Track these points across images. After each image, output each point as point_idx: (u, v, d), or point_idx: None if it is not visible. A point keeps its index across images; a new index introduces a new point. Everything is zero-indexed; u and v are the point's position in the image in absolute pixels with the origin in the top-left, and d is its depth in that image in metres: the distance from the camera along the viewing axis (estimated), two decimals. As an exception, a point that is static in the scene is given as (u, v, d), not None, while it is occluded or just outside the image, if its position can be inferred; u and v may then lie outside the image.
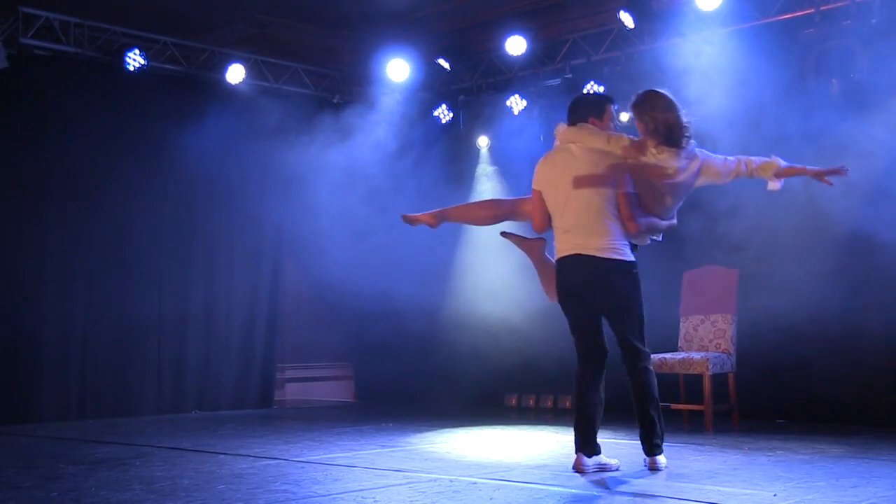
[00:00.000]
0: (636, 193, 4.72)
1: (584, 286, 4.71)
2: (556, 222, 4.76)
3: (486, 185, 9.16)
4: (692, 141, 4.72)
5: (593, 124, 4.86)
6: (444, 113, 9.25)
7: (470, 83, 9.18)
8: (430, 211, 5.12)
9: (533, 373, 8.50)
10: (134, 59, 7.92)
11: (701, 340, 7.19)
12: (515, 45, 8.43)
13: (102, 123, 8.04)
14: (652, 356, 6.57)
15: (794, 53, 7.25)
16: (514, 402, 8.68)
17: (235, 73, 8.53)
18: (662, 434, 4.90)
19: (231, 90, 8.56)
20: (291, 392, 10.09)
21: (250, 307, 8.99)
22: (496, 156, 9.27)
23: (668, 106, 4.69)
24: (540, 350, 8.16)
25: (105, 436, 6.69)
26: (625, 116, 8.11)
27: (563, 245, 4.75)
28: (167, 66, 8.38)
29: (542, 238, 5.04)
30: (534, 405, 8.62)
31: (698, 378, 6.86)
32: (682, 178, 4.69)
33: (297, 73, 9.14)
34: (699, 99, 7.48)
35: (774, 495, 4.26)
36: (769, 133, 7.13)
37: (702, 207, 7.44)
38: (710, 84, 7.39)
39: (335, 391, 10.30)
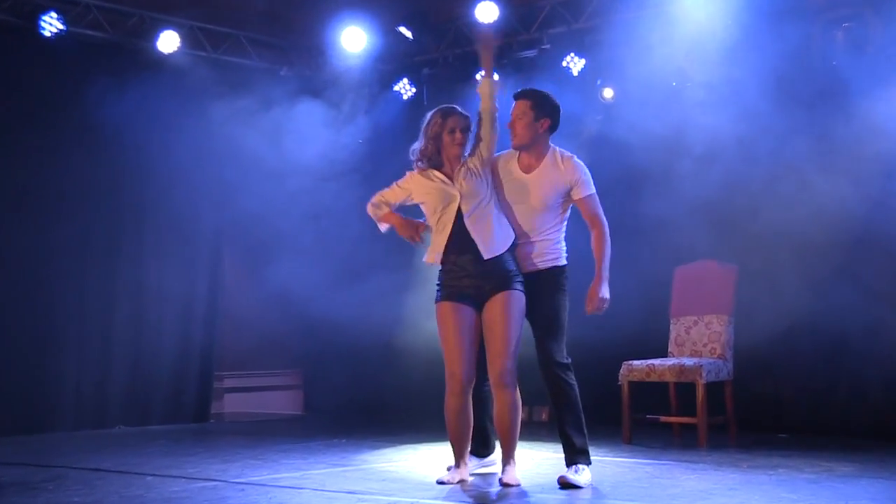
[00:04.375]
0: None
1: None
2: None
3: None
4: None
5: None
6: (405, 88, 9.23)
7: (435, 55, 9.15)
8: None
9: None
10: (50, 24, 7.80)
11: (694, 344, 7.22)
12: (486, 12, 8.38)
13: (12, 96, 7.93)
14: (638, 362, 6.59)
15: (799, 21, 7.25)
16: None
17: (168, 41, 8.45)
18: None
19: (163, 60, 8.47)
20: (231, 404, 10.02)
21: (185, 308, 8.95)
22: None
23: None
24: (519, 360, 8.08)
25: (12, 456, 6.55)
26: (609, 93, 8.20)
27: None
28: (89, 32, 8.26)
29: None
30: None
31: (691, 387, 6.88)
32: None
33: (238, 41, 9.08)
34: (691, 70, 7.56)
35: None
36: (767, 112, 7.18)
37: (695, 196, 7.51)
38: (704, 54, 7.50)
39: (281, 403, 10.28)
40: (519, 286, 4.90)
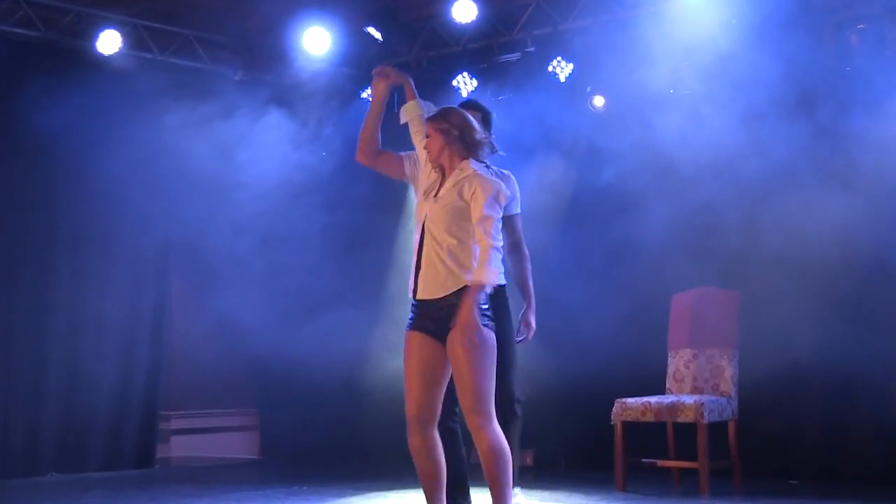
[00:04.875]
0: None
1: None
2: None
3: None
4: None
5: None
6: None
7: (407, 57, 9.11)
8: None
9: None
10: (-25, 22, 7.75)
11: (694, 380, 7.20)
12: (464, 11, 8.38)
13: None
14: (632, 400, 6.66)
15: (808, 23, 7.25)
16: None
17: (109, 41, 8.37)
18: None
19: (104, 62, 8.40)
20: (179, 447, 9.90)
21: (127, 338, 8.88)
22: None
23: None
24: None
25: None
26: (600, 101, 8.19)
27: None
28: (19, 31, 8.18)
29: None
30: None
31: (691, 428, 6.84)
32: None
33: (188, 42, 9.01)
34: (690, 77, 7.56)
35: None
36: (773, 123, 7.20)
37: (694, 215, 7.55)
38: (705, 59, 7.50)
39: (235, 446, 10.19)
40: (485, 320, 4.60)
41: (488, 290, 4.45)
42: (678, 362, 7.31)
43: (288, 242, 8.70)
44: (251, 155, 8.49)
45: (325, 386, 9.03)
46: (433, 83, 8.76)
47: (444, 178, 4.66)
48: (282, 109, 8.81)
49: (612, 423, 7.02)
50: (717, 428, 6.91)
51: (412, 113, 5.13)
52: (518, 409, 5.29)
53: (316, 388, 9.09)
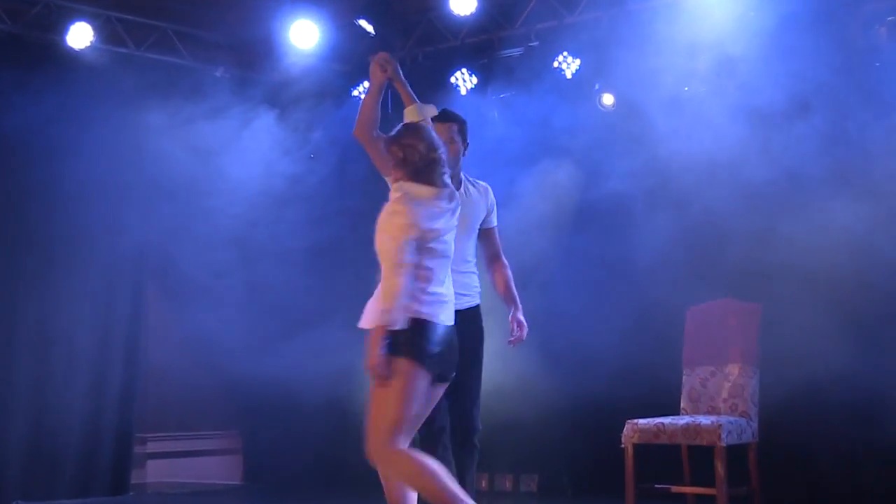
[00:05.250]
0: None
1: None
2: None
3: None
4: None
5: None
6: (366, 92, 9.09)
7: (401, 53, 9.08)
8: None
9: (489, 445, 8.34)
10: (-63, 15, 7.77)
11: (711, 400, 7.11)
12: (463, 3, 8.37)
13: None
14: (644, 421, 6.69)
15: (834, 16, 7.24)
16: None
17: (80, 35, 8.36)
18: None
19: (75, 57, 8.40)
20: (156, 472, 9.88)
21: (100, 356, 8.84)
22: None
23: None
24: (501, 416, 8.06)
25: None
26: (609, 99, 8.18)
27: None
28: (-15, 24, 8.20)
29: None
30: (487, 487, 8.57)
31: (708, 451, 6.74)
32: None
33: (165, 35, 9.01)
34: (707, 73, 7.54)
35: None
36: (796, 123, 7.21)
37: (710, 222, 7.56)
38: (722, 54, 7.46)
39: (216, 470, 10.15)
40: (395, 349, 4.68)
41: (396, 326, 4.47)
42: (694, 380, 7.22)
43: (272, 253, 8.71)
44: (234, 158, 8.50)
45: (312, 407, 9.02)
46: (430, 80, 8.78)
47: None
48: (267, 108, 8.84)
49: (622, 445, 6.91)
50: (736, 451, 6.83)
51: (412, 119, 5.10)
52: (476, 439, 5.34)
53: (302, 409, 9.08)
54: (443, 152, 4.68)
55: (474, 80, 8.76)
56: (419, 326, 4.52)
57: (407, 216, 4.50)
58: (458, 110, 8.35)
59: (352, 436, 8.69)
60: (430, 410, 4.81)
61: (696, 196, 7.57)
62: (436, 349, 4.55)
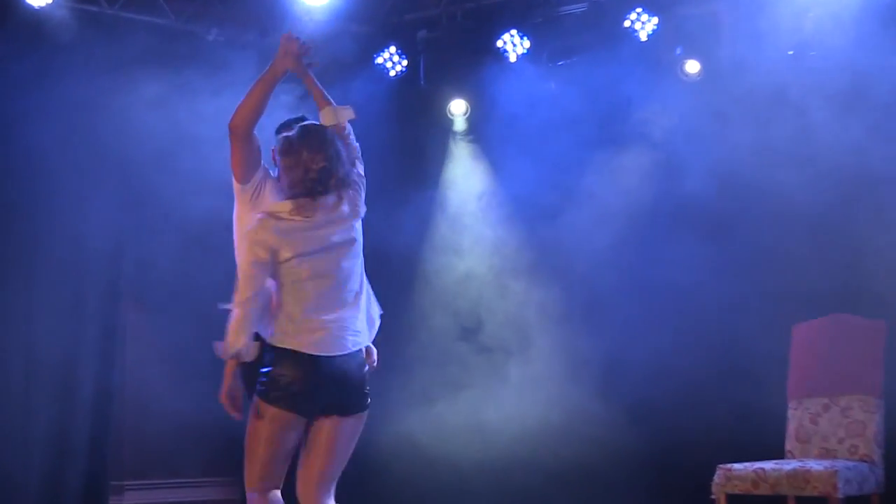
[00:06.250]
0: None
1: None
2: None
3: (463, 173, 9.30)
4: None
5: None
6: (393, 60, 9.23)
7: (437, 11, 9.16)
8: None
9: (558, 495, 8.56)
10: None
11: (824, 440, 7.05)
12: (508, -51, 8.53)
13: None
14: (740, 466, 6.71)
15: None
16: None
17: (38, -12, 8.37)
18: None
19: (35, 16, 8.35)
20: (135, 526, 9.82)
21: (65, 384, 8.79)
22: (480, 129, 9.25)
23: None
24: (569, 463, 8.31)
25: None
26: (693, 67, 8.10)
27: None
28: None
29: None
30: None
31: (820, 502, 6.66)
32: None
33: (145, -9, 8.99)
34: (816, 35, 7.53)
35: None
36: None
37: (819, 221, 7.58)
38: (836, 12, 7.42)
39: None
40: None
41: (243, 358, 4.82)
42: (802, 416, 7.17)
43: None
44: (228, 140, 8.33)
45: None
46: (471, 46, 8.86)
47: None
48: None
49: (712, 496, 6.85)
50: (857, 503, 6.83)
51: (329, 123, 5.34)
52: None
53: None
54: (336, 162, 5.06)
55: (526, 44, 8.77)
56: (277, 358, 4.88)
57: (257, 232, 4.87)
58: (503, 84, 8.85)
59: (368, 474, 8.72)
60: (333, 452, 5.09)
61: (799, 188, 7.57)
62: (300, 385, 4.82)
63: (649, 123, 8.40)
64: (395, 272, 8.97)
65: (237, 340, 4.72)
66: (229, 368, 4.81)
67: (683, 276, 8.07)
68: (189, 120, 8.32)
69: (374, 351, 5.30)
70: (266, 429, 4.89)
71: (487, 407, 8.95)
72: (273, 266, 4.85)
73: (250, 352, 4.74)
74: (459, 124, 9.39)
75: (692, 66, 8.21)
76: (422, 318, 9.35)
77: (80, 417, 8.84)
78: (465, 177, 9.35)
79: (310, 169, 4.95)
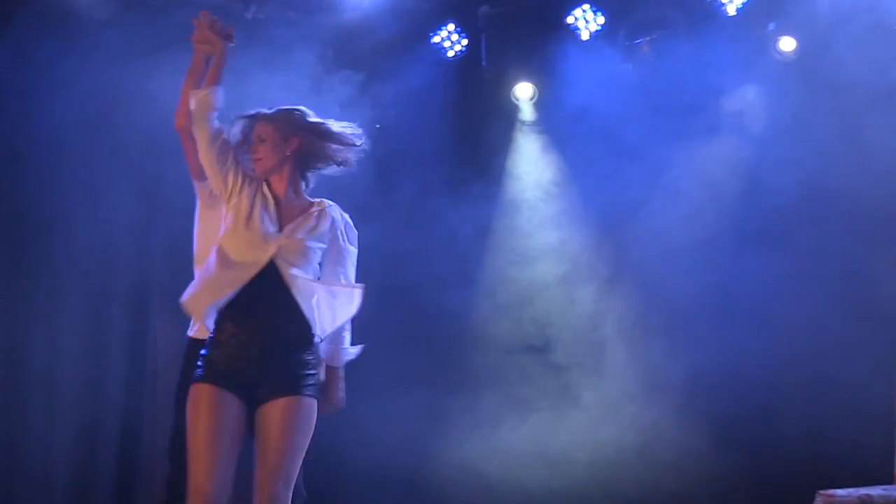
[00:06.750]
0: None
1: None
2: None
3: (529, 166, 9.21)
4: None
5: None
6: (451, 39, 9.20)
7: None
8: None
9: None
10: None
11: None
12: None
13: None
14: (844, 493, 6.60)
15: None
16: None
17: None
18: None
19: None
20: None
21: (92, 407, 8.76)
22: (548, 117, 9.19)
23: None
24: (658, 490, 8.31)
25: None
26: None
27: None
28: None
29: None
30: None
31: (936, 534, 6.70)
32: None
33: (174, -39, 9.03)
34: None
35: None
36: None
37: None
38: None
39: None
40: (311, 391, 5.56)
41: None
42: None
43: None
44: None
45: (386, 479, 9.02)
46: (538, 23, 8.90)
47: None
48: (314, 60, 8.67)
49: None
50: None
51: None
52: None
53: (375, 482, 9.08)
54: None
55: (600, 20, 8.78)
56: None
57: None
58: (574, 65, 8.82)
59: None
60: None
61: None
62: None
63: (739, 110, 8.38)
64: (451, 280, 9.01)
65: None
66: None
67: (774, 282, 8.08)
68: (226, 105, 8.31)
69: None
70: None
71: (558, 430, 8.90)
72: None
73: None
74: (525, 111, 9.33)
75: (787, 44, 8.16)
76: (482, 332, 9.31)
77: (108, 448, 8.83)
78: (531, 171, 9.27)
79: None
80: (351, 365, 8.72)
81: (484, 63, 9.30)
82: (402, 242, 8.74)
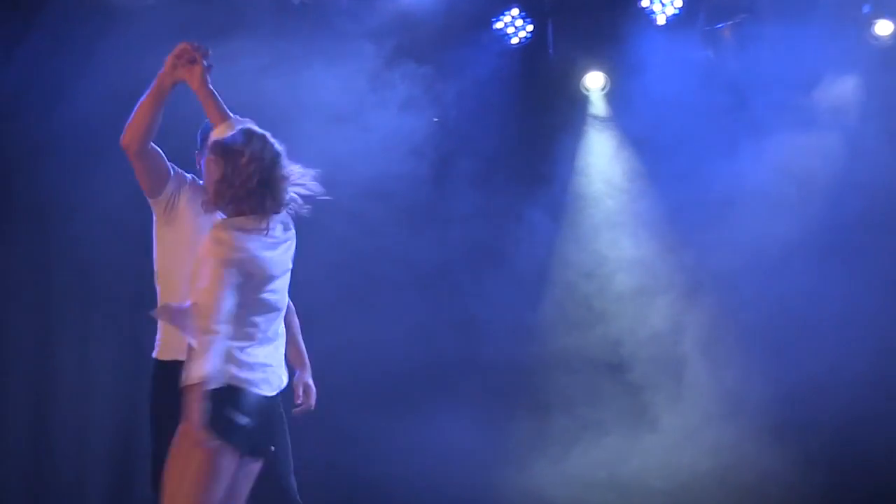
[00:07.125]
0: None
1: None
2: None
3: (601, 164, 9.17)
4: None
5: None
6: (515, 25, 9.16)
7: None
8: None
9: None
10: None
11: None
12: None
13: None
14: None
15: None
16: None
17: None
18: None
19: None
20: None
21: (127, 419, 8.71)
22: (621, 108, 9.15)
23: None
24: None
25: None
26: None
27: None
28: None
29: None
30: None
31: None
32: None
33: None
34: None
35: None
36: None
37: None
38: None
39: None
40: None
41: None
42: None
43: (369, 263, 8.62)
44: (317, 121, 8.31)
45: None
46: (610, 6, 8.92)
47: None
48: (369, 52, 8.69)
49: None
50: None
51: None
52: None
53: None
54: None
55: (677, 2, 8.74)
56: (230, 394, 5.05)
57: (232, 247, 4.99)
58: (648, 53, 8.84)
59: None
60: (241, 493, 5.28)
61: None
62: (244, 421, 5.04)
63: (831, 102, 8.37)
64: (518, 289, 8.98)
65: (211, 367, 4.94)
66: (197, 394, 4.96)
67: (864, 291, 8.16)
68: (270, 95, 8.30)
69: None
70: (220, 467, 5.14)
71: (632, 455, 8.88)
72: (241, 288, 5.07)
73: (217, 381, 4.97)
74: (596, 102, 9.33)
75: (884, 27, 8.11)
76: (550, 347, 9.27)
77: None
78: (602, 169, 9.25)
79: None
80: (413, 386, 8.78)
81: (551, 50, 9.31)
82: (460, 253, 8.85)
